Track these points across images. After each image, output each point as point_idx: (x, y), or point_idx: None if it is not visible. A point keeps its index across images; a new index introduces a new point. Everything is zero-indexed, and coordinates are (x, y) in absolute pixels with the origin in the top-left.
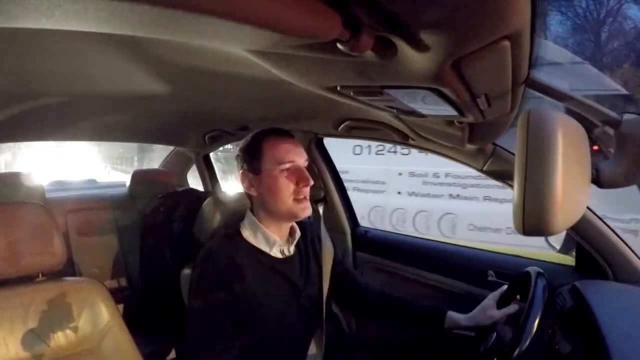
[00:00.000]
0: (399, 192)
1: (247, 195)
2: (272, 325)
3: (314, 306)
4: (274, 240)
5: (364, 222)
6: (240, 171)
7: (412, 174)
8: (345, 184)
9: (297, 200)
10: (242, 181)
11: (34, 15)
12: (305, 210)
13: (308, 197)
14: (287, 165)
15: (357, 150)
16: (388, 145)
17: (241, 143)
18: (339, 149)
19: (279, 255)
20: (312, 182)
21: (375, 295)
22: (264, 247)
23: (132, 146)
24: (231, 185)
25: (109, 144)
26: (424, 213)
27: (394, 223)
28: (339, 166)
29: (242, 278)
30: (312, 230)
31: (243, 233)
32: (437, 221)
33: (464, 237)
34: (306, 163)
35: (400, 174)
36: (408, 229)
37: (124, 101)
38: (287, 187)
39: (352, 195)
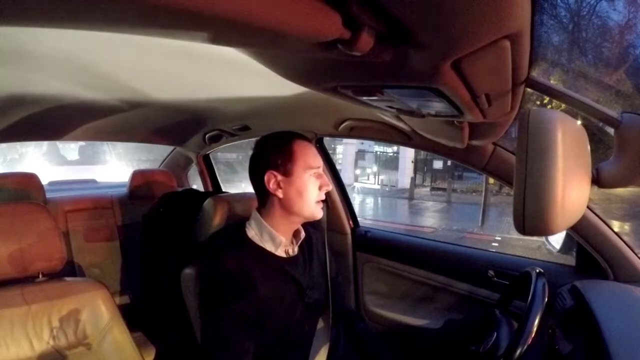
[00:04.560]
0: None
1: (259, 194)
2: (278, 324)
3: (318, 306)
4: (279, 240)
5: None
6: (267, 171)
7: None
8: None
9: (317, 203)
10: (268, 181)
11: (34, 15)
12: (321, 212)
13: None
14: (315, 170)
15: None
16: None
17: (263, 144)
18: None
19: (284, 255)
20: (330, 187)
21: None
22: (269, 247)
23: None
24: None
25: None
26: None
27: None
28: None
29: (249, 277)
30: (316, 234)
31: (248, 233)
32: None
33: None
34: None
35: None
36: None
37: (125, 101)
38: (314, 191)
39: None
